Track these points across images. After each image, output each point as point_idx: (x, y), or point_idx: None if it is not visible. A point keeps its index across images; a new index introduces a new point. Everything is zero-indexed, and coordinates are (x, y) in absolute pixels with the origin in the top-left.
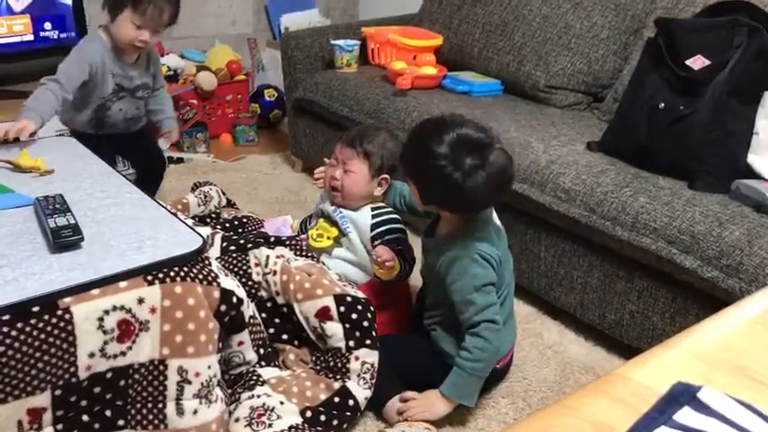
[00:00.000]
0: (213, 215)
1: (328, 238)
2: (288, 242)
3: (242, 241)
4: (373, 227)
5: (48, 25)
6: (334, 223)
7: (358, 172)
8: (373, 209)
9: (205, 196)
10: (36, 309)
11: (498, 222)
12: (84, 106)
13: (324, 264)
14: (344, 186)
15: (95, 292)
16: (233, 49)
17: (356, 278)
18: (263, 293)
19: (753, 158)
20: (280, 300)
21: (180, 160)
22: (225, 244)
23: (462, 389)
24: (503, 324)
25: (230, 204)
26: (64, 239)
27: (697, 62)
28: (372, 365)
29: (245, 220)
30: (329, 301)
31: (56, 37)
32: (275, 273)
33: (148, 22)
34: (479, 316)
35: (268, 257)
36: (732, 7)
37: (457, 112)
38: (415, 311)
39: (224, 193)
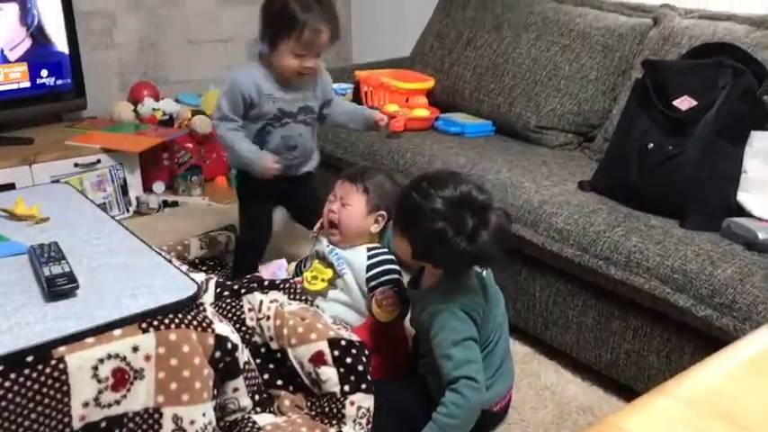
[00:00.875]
0: (217, 260)
1: (323, 280)
2: (282, 286)
3: (236, 287)
4: (369, 267)
5: (44, 72)
6: (329, 265)
7: (355, 206)
8: (369, 249)
9: (210, 241)
10: (30, 359)
11: (482, 270)
12: (246, 134)
13: (318, 307)
14: (341, 219)
15: (90, 340)
16: None
17: (351, 321)
18: (256, 339)
19: (742, 197)
20: (273, 345)
21: (175, 204)
22: (219, 290)
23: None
24: (496, 370)
25: None
26: (59, 288)
27: (684, 103)
28: (368, 410)
29: (277, 281)
30: (323, 346)
31: (52, 84)
32: (268, 318)
33: (309, 49)
34: (458, 371)
35: (261, 302)
36: (716, 49)
37: (452, 169)
38: (411, 354)
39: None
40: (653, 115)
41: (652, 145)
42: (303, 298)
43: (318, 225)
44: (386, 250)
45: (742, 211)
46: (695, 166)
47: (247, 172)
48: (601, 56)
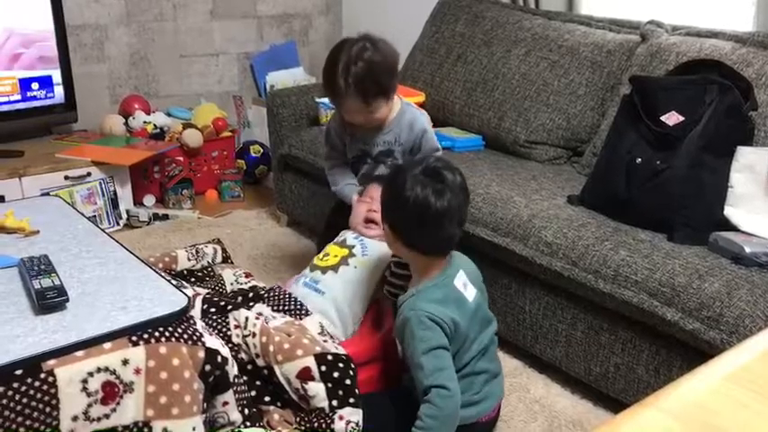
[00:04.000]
0: (206, 272)
1: (335, 256)
2: (266, 295)
3: (222, 303)
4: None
5: (35, 85)
6: (347, 247)
7: None
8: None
9: (197, 252)
10: (19, 372)
11: (464, 289)
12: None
13: (319, 290)
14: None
15: (79, 353)
16: (219, 106)
17: (355, 301)
18: (243, 356)
19: (729, 211)
20: (260, 362)
21: (165, 217)
22: (205, 306)
23: None
24: (484, 385)
25: (225, 260)
26: (49, 301)
27: (671, 118)
28: (357, 424)
29: (261, 292)
30: (310, 362)
31: (42, 97)
32: (254, 335)
33: (352, 115)
34: (429, 380)
35: (247, 319)
36: (703, 65)
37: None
38: (401, 366)
39: (225, 251)
40: (641, 130)
41: (640, 160)
42: (287, 309)
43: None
44: None
45: (729, 226)
46: (683, 181)
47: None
48: (589, 71)
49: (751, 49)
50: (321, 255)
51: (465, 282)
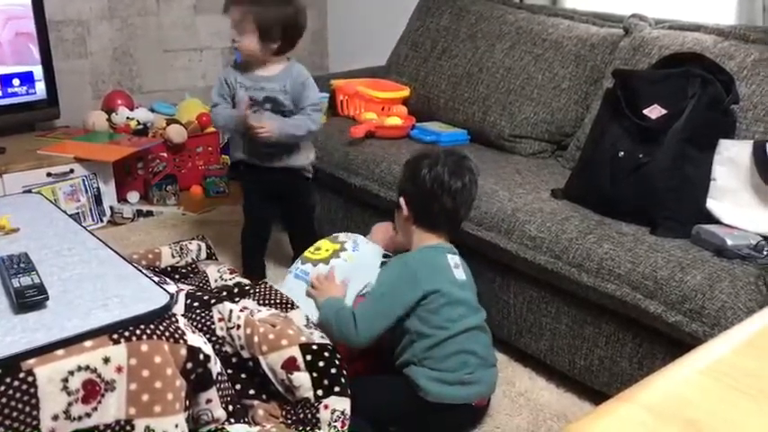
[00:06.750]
0: (190, 268)
1: (327, 250)
2: (251, 291)
3: (206, 297)
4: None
5: (16, 81)
6: (339, 243)
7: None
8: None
9: (181, 249)
10: None
11: (455, 268)
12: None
13: (310, 281)
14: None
15: (60, 352)
16: (203, 101)
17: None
18: (227, 349)
19: (712, 204)
20: (245, 354)
21: (149, 213)
22: (189, 301)
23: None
24: (475, 366)
25: (210, 257)
26: (28, 299)
27: (654, 111)
28: (343, 412)
29: (247, 287)
30: (295, 352)
31: (24, 93)
32: (239, 327)
33: (232, 22)
34: (360, 309)
35: (231, 312)
36: (685, 59)
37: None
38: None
39: (209, 248)
40: (624, 124)
41: (623, 153)
42: (273, 302)
43: None
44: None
45: (711, 219)
46: (665, 174)
47: (237, 161)
48: (573, 65)
49: (733, 42)
50: (313, 248)
51: (457, 263)
